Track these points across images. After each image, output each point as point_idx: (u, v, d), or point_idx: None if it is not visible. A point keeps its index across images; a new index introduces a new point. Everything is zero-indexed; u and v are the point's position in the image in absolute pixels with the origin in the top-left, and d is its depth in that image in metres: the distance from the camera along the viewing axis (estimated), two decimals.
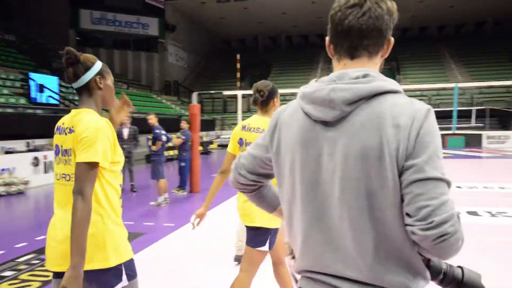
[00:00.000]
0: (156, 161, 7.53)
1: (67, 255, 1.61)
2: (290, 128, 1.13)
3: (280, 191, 1.21)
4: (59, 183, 1.79)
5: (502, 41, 30.08)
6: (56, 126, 1.84)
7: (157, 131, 7.52)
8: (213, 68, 35.02)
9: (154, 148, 7.50)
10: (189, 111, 8.88)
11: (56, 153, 1.82)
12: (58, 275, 1.71)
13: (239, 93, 13.25)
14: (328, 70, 30.18)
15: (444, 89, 27.05)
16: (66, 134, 1.75)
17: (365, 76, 1.04)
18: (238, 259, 4.11)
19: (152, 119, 7.61)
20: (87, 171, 1.65)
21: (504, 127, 22.96)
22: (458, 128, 22.60)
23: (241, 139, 2.72)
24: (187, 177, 8.60)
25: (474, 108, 20.73)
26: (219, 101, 29.43)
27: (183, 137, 8.17)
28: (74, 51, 1.78)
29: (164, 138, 7.56)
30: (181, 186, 8.58)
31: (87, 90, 1.81)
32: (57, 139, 1.81)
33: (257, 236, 2.57)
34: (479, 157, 16.78)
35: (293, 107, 1.16)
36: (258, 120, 2.72)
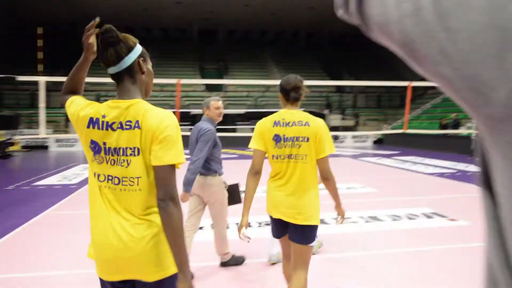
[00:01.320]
0: None
1: (125, 264, 1.55)
2: None
3: None
4: (105, 185, 1.57)
5: (314, 52, 33.59)
6: (86, 118, 1.58)
7: None
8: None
9: None
10: None
11: (96, 151, 1.57)
12: (113, 284, 1.63)
13: (41, 79, 7.13)
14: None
15: (268, 90, 28.58)
16: (123, 129, 1.53)
17: None
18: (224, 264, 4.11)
19: None
20: (173, 173, 1.53)
21: None
22: None
23: (277, 135, 2.65)
24: None
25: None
26: (25, 94, 24.78)
27: None
28: (114, 28, 1.59)
29: None
30: None
31: (129, 75, 1.60)
32: (97, 134, 1.56)
33: (311, 233, 2.62)
34: None
35: None
36: (294, 113, 2.67)
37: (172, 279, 1.59)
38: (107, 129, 1.56)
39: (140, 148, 1.53)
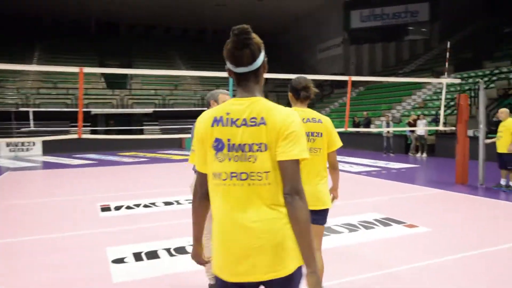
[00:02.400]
0: None
1: (259, 260, 1.55)
2: None
3: None
4: (229, 183, 1.58)
5: (222, 50, 32.70)
6: (210, 119, 1.62)
7: None
8: None
9: None
10: None
11: (219, 149, 1.59)
12: (242, 286, 1.60)
13: None
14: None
15: (177, 88, 27.05)
16: (247, 126, 1.56)
17: None
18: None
19: None
20: (298, 168, 1.57)
21: None
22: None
23: (307, 132, 2.81)
24: None
25: (208, 109, 21.03)
26: None
27: None
28: (250, 29, 1.62)
29: None
30: None
31: (255, 75, 1.65)
32: (221, 131, 1.59)
33: (325, 215, 2.93)
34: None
35: None
36: (306, 111, 2.93)
37: (298, 272, 1.61)
38: (231, 125, 1.58)
39: (267, 143, 1.56)
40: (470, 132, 15.90)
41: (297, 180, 1.54)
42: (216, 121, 1.60)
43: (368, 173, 10.65)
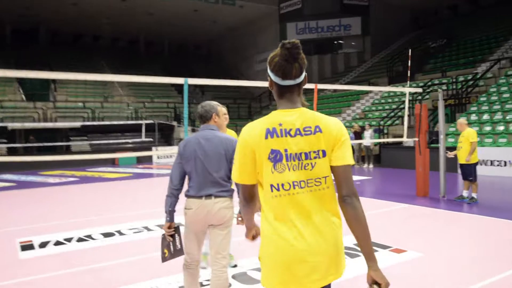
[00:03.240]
0: None
1: (323, 263, 1.61)
2: None
3: None
4: (293, 192, 1.62)
5: (155, 60, 31.39)
6: (263, 132, 1.63)
7: None
8: None
9: None
10: None
11: (277, 160, 1.62)
12: None
13: None
14: None
15: (107, 101, 25.12)
16: (302, 135, 1.64)
17: None
18: None
19: None
20: (351, 172, 1.66)
21: (168, 142, 23.30)
22: (129, 143, 21.21)
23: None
24: None
25: (143, 122, 19.63)
26: None
27: None
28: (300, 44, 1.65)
29: None
30: None
31: (298, 87, 1.72)
32: (277, 142, 1.63)
33: None
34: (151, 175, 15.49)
35: None
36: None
37: None
38: (286, 136, 1.63)
39: (325, 149, 1.64)
40: (411, 142, 16.20)
41: (352, 183, 1.65)
42: (270, 133, 1.63)
43: None
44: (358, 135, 15.09)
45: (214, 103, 3.08)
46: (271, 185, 1.63)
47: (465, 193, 7.71)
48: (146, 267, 4.42)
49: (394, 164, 14.37)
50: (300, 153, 1.61)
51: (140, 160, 20.01)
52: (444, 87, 17.98)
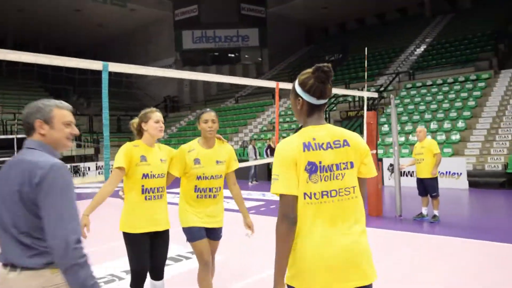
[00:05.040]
0: None
1: (356, 270, 1.70)
2: None
3: None
4: (323, 201, 1.72)
5: (27, 64, 26.90)
6: (300, 146, 1.74)
7: None
8: None
9: None
10: None
11: (313, 171, 1.73)
12: None
13: None
14: None
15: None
16: (339, 147, 1.77)
17: None
18: None
19: None
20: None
21: None
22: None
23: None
24: None
25: (15, 137, 16.04)
26: None
27: None
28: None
29: None
30: None
31: (324, 105, 1.85)
32: (313, 155, 1.74)
33: None
34: None
35: None
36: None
37: None
38: (319, 149, 1.75)
39: (354, 161, 1.78)
40: None
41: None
42: (306, 147, 1.75)
43: (257, 210, 8.62)
44: (274, 150, 14.04)
45: (56, 102, 1.82)
46: (305, 193, 1.72)
47: (424, 211, 6.94)
48: None
49: None
50: (332, 165, 1.74)
51: None
52: (350, 99, 18.07)
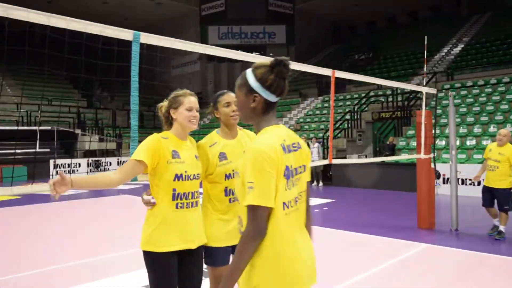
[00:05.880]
0: None
1: (314, 274, 1.68)
2: None
3: None
4: (295, 209, 1.62)
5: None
6: (279, 145, 1.57)
7: None
8: None
9: None
10: None
11: (289, 176, 1.58)
12: None
13: None
14: None
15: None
16: (296, 150, 1.67)
17: None
18: None
19: None
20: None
21: (69, 153, 19.41)
22: (18, 154, 16.96)
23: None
24: None
25: (38, 128, 15.74)
26: None
27: None
28: None
29: None
30: None
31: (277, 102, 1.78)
32: (288, 159, 1.59)
33: None
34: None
35: None
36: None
37: None
38: (289, 152, 1.63)
39: (306, 165, 1.72)
40: (355, 157, 14.90)
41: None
42: (284, 149, 1.59)
43: None
44: None
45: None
46: (284, 203, 1.57)
47: (496, 222, 6.05)
48: None
49: (344, 182, 12.80)
50: (295, 169, 1.64)
51: (32, 176, 15.99)
52: (383, 99, 17.18)
